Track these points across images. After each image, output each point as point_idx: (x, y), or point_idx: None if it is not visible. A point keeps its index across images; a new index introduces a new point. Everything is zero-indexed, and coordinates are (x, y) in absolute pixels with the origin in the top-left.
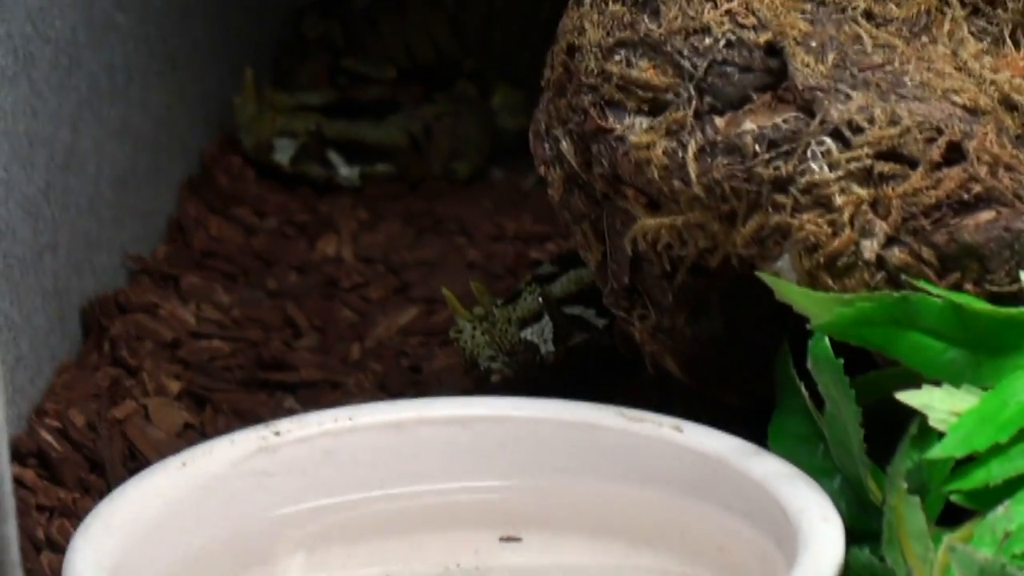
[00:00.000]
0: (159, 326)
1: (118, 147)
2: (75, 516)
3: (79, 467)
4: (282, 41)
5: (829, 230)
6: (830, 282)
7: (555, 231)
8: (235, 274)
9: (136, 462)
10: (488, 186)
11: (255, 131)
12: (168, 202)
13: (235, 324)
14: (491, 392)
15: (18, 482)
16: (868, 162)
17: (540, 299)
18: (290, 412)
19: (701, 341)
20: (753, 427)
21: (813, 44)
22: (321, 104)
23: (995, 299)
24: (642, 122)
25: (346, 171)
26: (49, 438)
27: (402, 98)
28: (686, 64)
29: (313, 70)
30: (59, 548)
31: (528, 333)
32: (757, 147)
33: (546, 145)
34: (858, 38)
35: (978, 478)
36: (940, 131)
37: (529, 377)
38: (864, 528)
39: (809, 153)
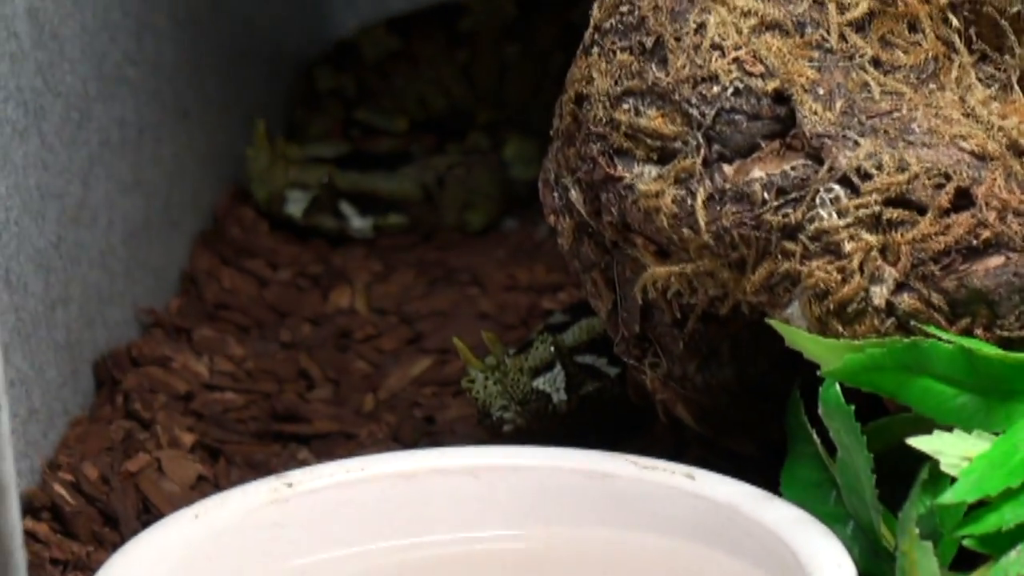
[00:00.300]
0: (172, 379)
1: (129, 200)
2: (89, 569)
3: (93, 520)
4: (294, 94)
5: (839, 277)
6: (840, 328)
7: (567, 281)
8: (248, 326)
9: (150, 515)
10: (501, 236)
11: (267, 183)
12: (180, 255)
13: (248, 376)
14: (504, 442)
15: (32, 536)
16: (877, 209)
17: (552, 348)
18: (304, 464)
19: (712, 389)
20: (765, 474)
21: (821, 91)
22: (334, 156)
23: (1005, 344)
24: (651, 170)
25: (359, 223)
26: (62, 491)
27: (415, 149)
28: (694, 112)
29: (325, 122)
30: None
31: (540, 382)
32: (766, 195)
33: (555, 194)
34: (866, 85)
35: (990, 522)
36: (948, 177)
37: (542, 426)
38: (877, 574)
39: (818, 200)
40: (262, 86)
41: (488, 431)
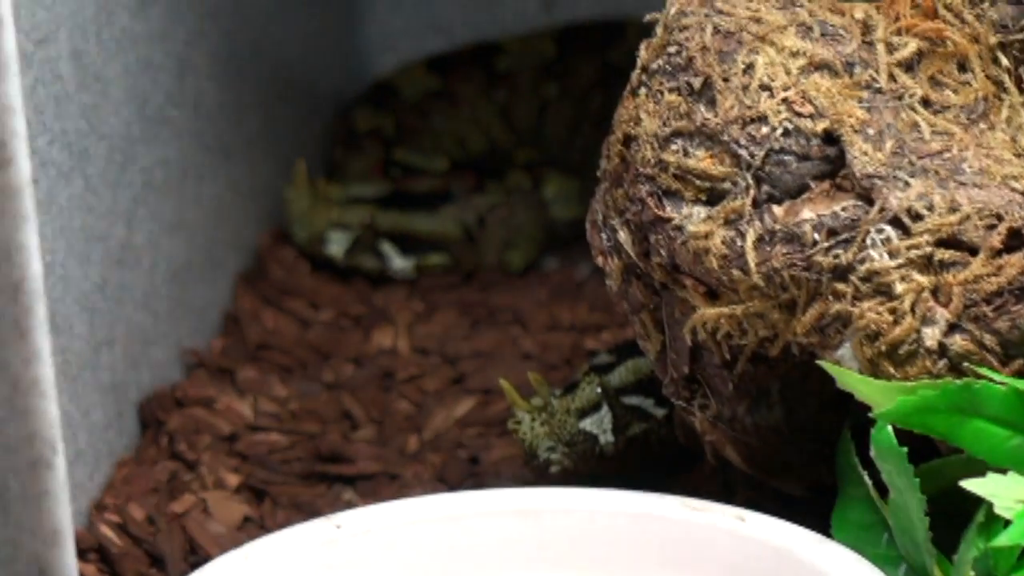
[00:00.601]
0: (216, 420)
1: (173, 241)
2: None
3: (139, 562)
4: (333, 133)
5: (890, 318)
6: (892, 370)
7: (610, 321)
8: (291, 367)
9: (196, 556)
10: (542, 276)
11: (308, 224)
12: (223, 295)
13: (292, 417)
14: (550, 483)
15: None
16: (928, 249)
17: (599, 389)
18: (349, 504)
19: (762, 430)
20: (814, 515)
21: (871, 132)
22: (374, 196)
23: None
24: (700, 211)
25: (400, 263)
26: (109, 533)
27: (455, 189)
28: (743, 153)
29: (365, 162)
30: None
31: (587, 424)
32: (816, 235)
33: (603, 235)
34: (916, 125)
35: None
36: (1000, 217)
37: (588, 468)
38: None
39: (869, 241)
40: (301, 126)
41: (535, 472)
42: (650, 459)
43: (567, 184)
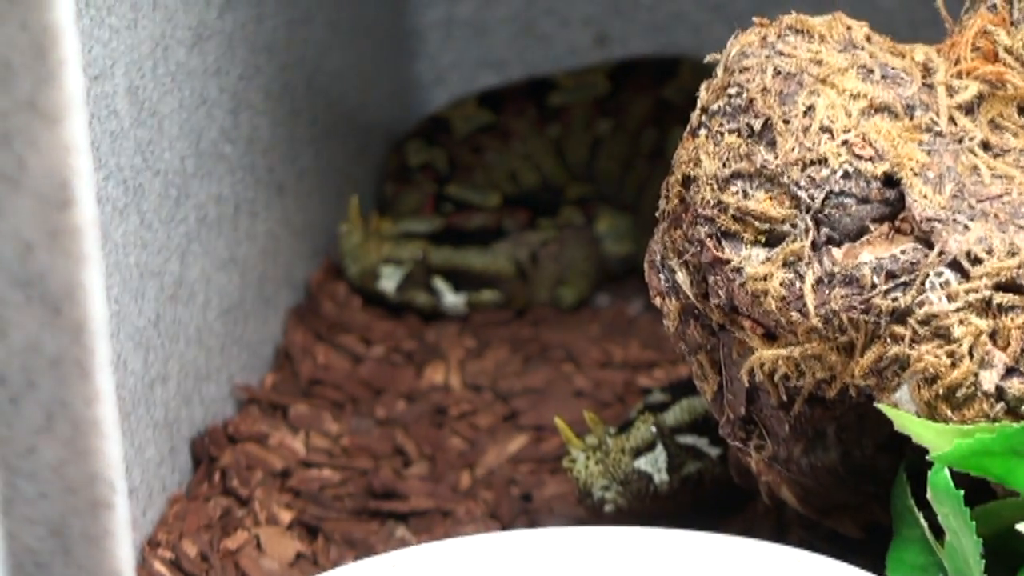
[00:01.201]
0: (269, 455)
1: (226, 277)
2: None
3: None
4: (385, 169)
5: (948, 361)
6: (949, 413)
7: (663, 358)
8: (343, 402)
9: None
10: (594, 313)
11: (360, 259)
12: (275, 331)
13: (344, 453)
14: (604, 522)
15: None
16: (987, 293)
17: (653, 429)
18: (402, 541)
19: (817, 471)
20: (869, 557)
21: (931, 175)
22: (427, 231)
23: None
24: (759, 253)
25: (452, 299)
26: (163, 569)
27: (507, 225)
28: (803, 195)
29: (417, 197)
30: None
31: (642, 463)
32: (875, 278)
33: (662, 276)
34: (975, 169)
35: None
36: None
37: (643, 507)
38: None
39: (928, 284)
40: (354, 161)
41: (589, 511)
42: (703, 499)
43: (619, 220)
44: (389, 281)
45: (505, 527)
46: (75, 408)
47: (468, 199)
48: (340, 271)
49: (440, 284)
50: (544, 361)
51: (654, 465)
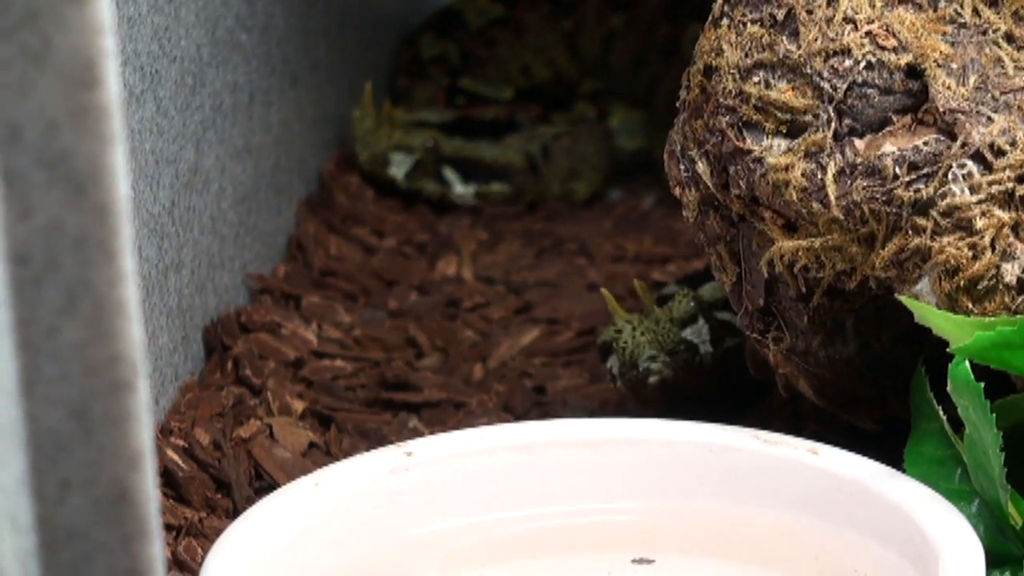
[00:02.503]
0: (281, 345)
1: (240, 166)
2: (202, 535)
3: (205, 486)
4: (398, 61)
5: (970, 253)
6: (970, 305)
7: (676, 252)
8: (355, 294)
9: (262, 481)
10: (607, 207)
11: (372, 144)
12: (288, 221)
13: (357, 344)
14: (644, 399)
15: None
16: (1010, 185)
17: (692, 303)
18: (414, 432)
19: (835, 363)
20: (885, 450)
21: (954, 66)
22: (439, 122)
23: None
24: (780, 144)
25: (461, 189)
26: (175, 457)
27: (520, 118)
28: (826, 86)
29: (430, 90)
30: (187, 567)
31: (688, 333)
32: (897, 169)
33: (681, 166)
34: (999, 60)
35: None
36: None
37: (687, 379)
38: (1003, 552)
39: (950, 176)
40: (367, 52)
41: (629, 385)
42: (741, 375)
43: (632, 115)
44: (399, 168)
45: (518, 419)
46: (98, 289)
47: (481, 92)
48: (352, 162)
49: (450, 174)
50: (557, 254)
51: (699, 336)
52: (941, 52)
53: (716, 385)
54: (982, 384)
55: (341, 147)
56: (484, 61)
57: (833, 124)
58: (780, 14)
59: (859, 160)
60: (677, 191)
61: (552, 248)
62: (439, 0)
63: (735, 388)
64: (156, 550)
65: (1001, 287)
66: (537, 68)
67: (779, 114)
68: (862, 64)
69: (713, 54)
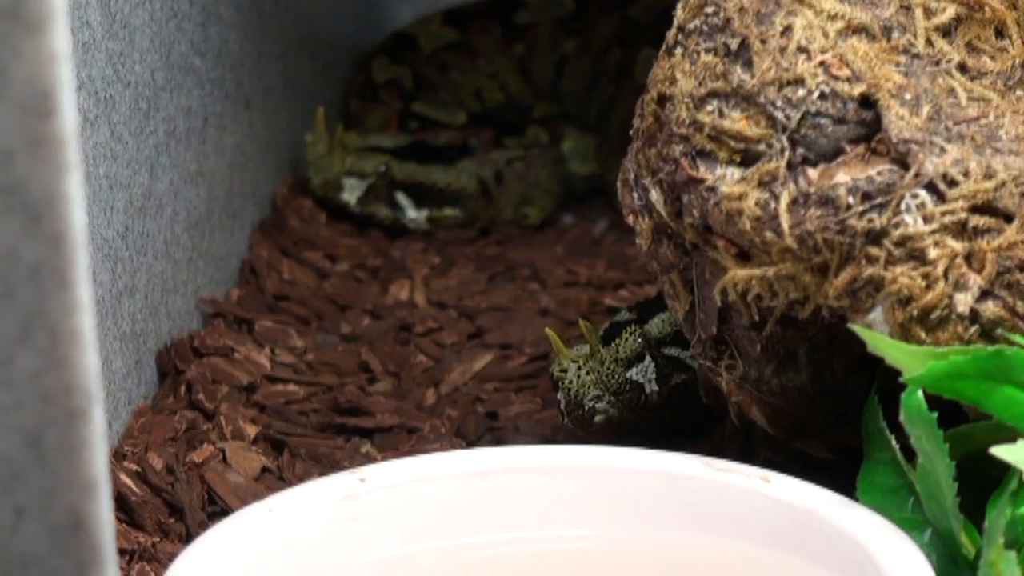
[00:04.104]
0: (235, 369)
1: (193, 190)
2: (155, 560)
3: (158, 511)
4: (351, 85)
5: (923, 283)
6: (923, 335)
7: (628, 277)
8: (308, 318)
9: (215, 506)
10: (559, 232)
11: (324, 169)
12: (241, 245)
13: (310, 368)
14: (592, 434)
15: None
16: (963, 216)
17: (639, 340)
18: (367, 457)
19: (788, 392)
20: (838, 479)
21: (908, 97)
22: (392, 147)
23: None
24: (734, 173)
25: (414, 214)
26: (128, 482)
27: (473, 143)
28: (779, 115)
29: (383, 114)
30: None
31: (633, 373)
32: (851, 199)
33: (635, 194)
34: (952, 91)
35: None
36: None
37: (633, 418)
38: None
39: (903, 206)
40: (321, 76)
41: (576, 423)
42: (689, 410)
43: (584, 140)
44: (351, 193)
45: (471, 444)
46: (53, 317)
47: (433, 117)
48: (306, 186)
49: (402, 199)
50: (509, 279)
51: (644, 375)
52: (894, 82)
53: (663, 421)
54: (935, 414)
55: (294, 171)
56: (437, 85)
57: (787, 153)
58: (734, 43)
59: (812, 190)
60: (631, 219)
61: (505, 273)
62: (392, 24)
63: (684, 422)
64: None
65: (954, 317)
66: (490, 92)
67: (733, 143)
68: (816, 94)
69: (667, 83)
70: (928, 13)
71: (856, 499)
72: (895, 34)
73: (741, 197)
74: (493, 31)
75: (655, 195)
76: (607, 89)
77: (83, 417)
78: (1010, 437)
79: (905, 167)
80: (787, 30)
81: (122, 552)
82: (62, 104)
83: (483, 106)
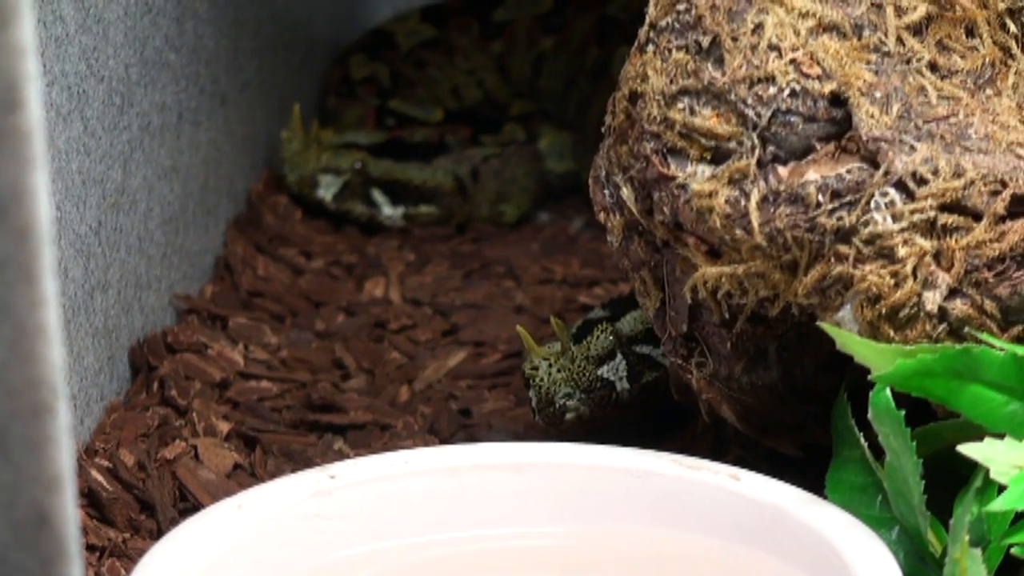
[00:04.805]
0: (208, 366)
1: (167, 186)
2: (125, 556)
3: (129, 507)
4: (328, 81)
5: (891, 281)
6: (892, 333)
7: (603, 275)
8: (283, 314)
9: (186, 502)
10: (535, 229)
11: (299, 166)
12: (215, 241)
13: (283, 365)
14: (563, 432)
15: None
16: (932, 214)
17: (611, 337)
18: (340, 454)
19: (758, 389)
20: (808, 476)
21: (878, 95)
22: (368, 143)
23: None
24: (704, 170)
25: (389, 211)
26: (100, 478)
27: (450, 140)
28: (750, 113)
29: (360, 111)
30: None
31: (604, 370)
32: (820, 197)
33: (606, 192)
34: (923, 90)
35: None
36: (1004, 184)
37: (604, 415)
38: None
39: (873, 204)
40: (297, 73)
41: (547, 420)
42: (660, 407)
43: (561, 137)
44: (327, 190)
45: (443, 441)
46: (19, 312)
47: (410, 114)
48: (281, 182)
49: (378, 196)
50: (484, 277)
51: (616, 373)
52: (865, 80)
53: (634, 419)
54: (903, 412)
55: (270, 167)
56: (414, 82)
57: (757, 151)
58: (705, 41)
59: (782, 187)
60: (602, 216)
61: (480, 270)
62: (370, 21)
63: (655, 419)
64: (76, 573)
65: (922, 315)
66: (467, 90)
67: (703, 141)
68: (786, 92)
69: (638, 80)
70: (899, 11)
71: (825, 497)
72: (866, 32)
73: (711, 195)
74: (471, 28)
75: (626, 192)
76: (584, 87)
77: (48, 412)
78: (977, 435)
79: (875, 165)
80: (758, 28)
81: (92, 548)
82: (28, 97)
83: (460, 103)
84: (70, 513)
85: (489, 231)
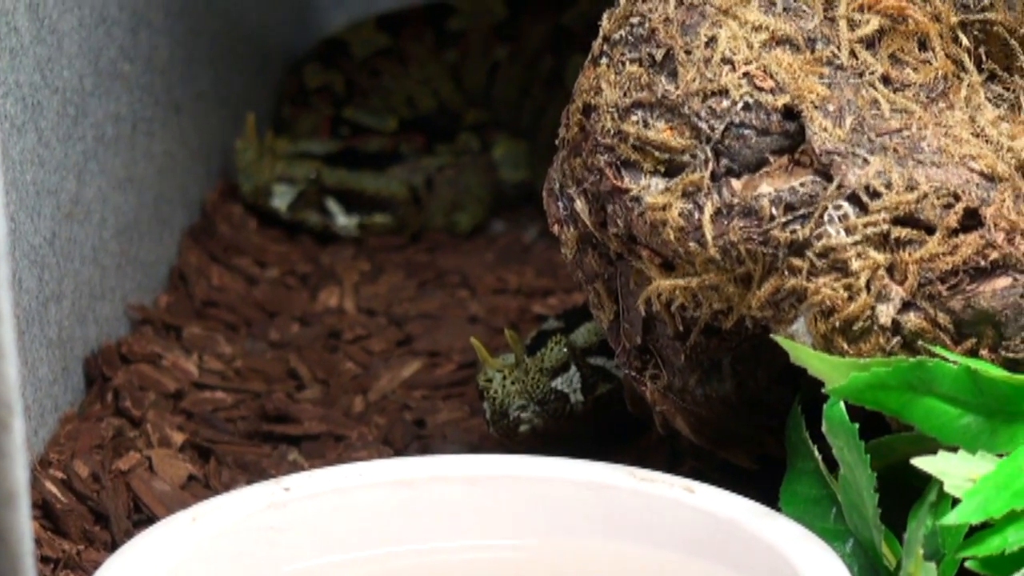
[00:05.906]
0: (162, 376)
1: (122, 196)
2: (80, 568)
3: (83, 519)
4: (283, 90)
5: (845, 294)
6: (845, 346)
7: (557, 285)
8: (237, 324)
9: (141, 514)
10: (489, 239)
11: (254, 176)
12: (170, 251)
13: (238, 375)
14: (518, 443)
15: None
16: (885, 227)
17: (565, 349)
18: (294, 465)
19: (712, 402)
20: (759, 488)
21: (831, 108)
22: (323, 153)
23: (1011, 365)
24: (658, 183)
25: (344, 220)
26: (53, 489)
27: (404, 149)
28: (703, 126)
29: (314, 120)
30: None
31: (558, 383)
32: (774, 210)
33: (560, 204)
34: (876, 103)
35: (993, 545)
36: (957, 197)
37: (558, 427)
38: None
39: (826, 217)
40: (252, 82)
41: (501, 432)
42: (614, 419)
43: (516, 147)
44: (282, 199)
45: (398, 452)
46: None
47: (365, 123)
48: (236, 192)
49: (332, 205)
50: (439, 287)
51: (570, 385)
52: (818, 94)
53: (588, 431)
54: (857, 425)
55: (224, 177)
56: (368, 91)
57: (710, 164)
58: (659, 54)
59: (736, 200)
60: (556, 229)
61: (434, 280)
62: (325, 29)
63: (609, 431)
64: None
65: (876, 328)
66: (421, 99)
67: (657, 153)
68: (739, 105)
69: (592, 93)
70: (852, 25)
71: (779, 509)
72: (819, 46)
73: (665, 207)
74: (425, 37)
75: (580, 205)
76: (539, 96)
77: (3, 428)
78: (931, 448)
79: (828, 178)
80: (711, 41)
81: (46, 560)
82: None
83: (415, 112)
84: (24, 529)
85: (443, 240)
